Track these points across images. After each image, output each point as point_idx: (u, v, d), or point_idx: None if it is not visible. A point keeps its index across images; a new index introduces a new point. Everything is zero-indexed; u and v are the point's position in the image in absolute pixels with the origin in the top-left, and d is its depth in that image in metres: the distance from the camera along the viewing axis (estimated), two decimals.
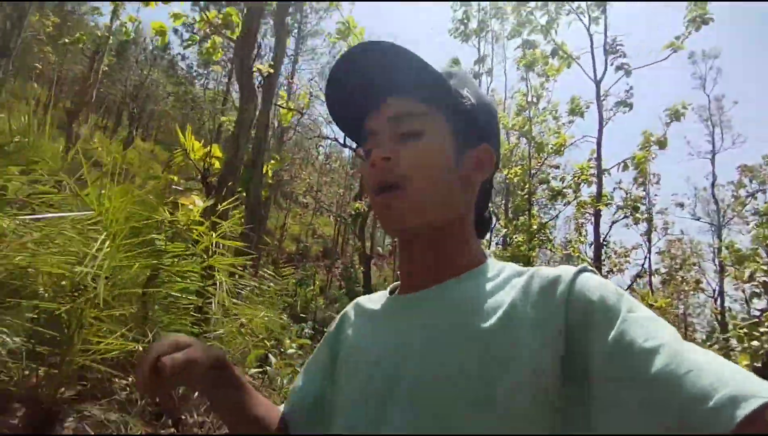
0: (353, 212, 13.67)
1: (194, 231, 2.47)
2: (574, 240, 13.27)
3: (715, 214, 15.38)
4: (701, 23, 7.66)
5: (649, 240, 14.47)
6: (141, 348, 1.91)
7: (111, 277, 1.83)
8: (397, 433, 0.50)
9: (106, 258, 1.72)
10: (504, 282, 0.55)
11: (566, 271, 0.51)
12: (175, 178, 2.87)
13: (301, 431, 0.67)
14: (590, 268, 0.53)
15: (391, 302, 0.64)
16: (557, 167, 12.56)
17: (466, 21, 12.32)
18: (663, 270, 16.34)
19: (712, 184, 15.62)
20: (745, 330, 5.81)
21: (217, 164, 3.29)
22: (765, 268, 7.16)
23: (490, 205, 0.71)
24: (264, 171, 3.99)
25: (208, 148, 3.35)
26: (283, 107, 5.86)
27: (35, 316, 1.74)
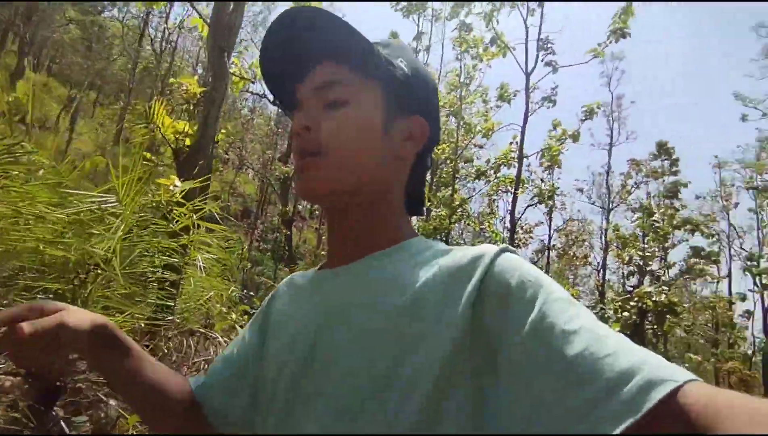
0: (281, 176, 13.49)
1: (175, 211, 2.55)
2: (488, 215, 14.58)
3: (606, 199, 17.69)
4: (620, 36, 8.66)
5: (550, 219, 16.32)
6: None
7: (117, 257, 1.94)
8: (307, 408, 0.50)
9: (118, 240, 1.83)
10: (425, 260, 0.54)
11: (487, 250, 0.51)
12: (149, 156, 2.83)
13: (215, 400, 0.65)
14: (511, 248, 0.52)
15: (316, 276, 0.64)
16: (481, 147, 13.52)
17: None
18: (559, 246, 18.56)
19: (607, 173, 17.88)
20: (619, 303, 7.05)
21: (188, 141, 3.24)
22: (640, 253, 8.58)
23: (426, 181, 0.68)
24: (216, 141, 3.98)
25: (182, 125, 3.29)
26: (237, 76, 5.68)
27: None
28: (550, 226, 16.50)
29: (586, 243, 19.66)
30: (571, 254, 18.45)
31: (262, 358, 0.63)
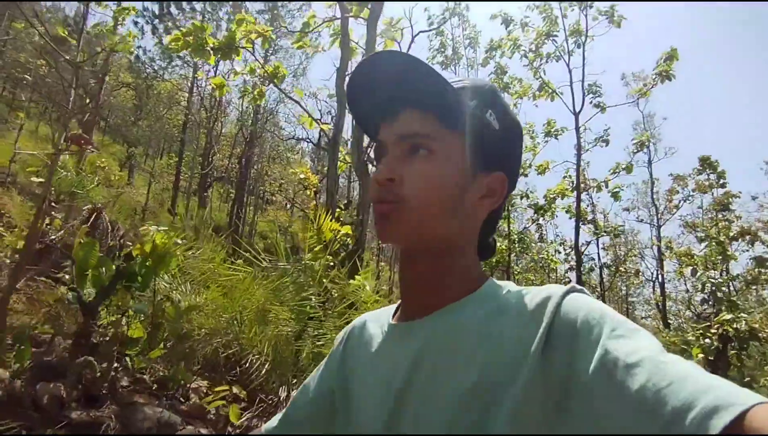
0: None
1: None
2: (548, 247, 15.03)
3: (654, 215, 17.97)
4: (665, 78, 9.21)
5: (598, 241, 16.78)
6: None
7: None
8: None
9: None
10: (500, 308, 0.55)
11: (554, 291, 0.52)
12: (330, 258, 3.62)
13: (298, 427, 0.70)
14: (578, 287, 0.53)
15: (391, 329, 0.64)
16: (526, 175, 14.13)
17: (442, 50, 13.35)
18: (609, 263, 18.88)
19: (651, 190, 18.23)
20: (700, 331, 7.48)
21: (351, 242, 4.09)
22: (713, 280, 8.97)
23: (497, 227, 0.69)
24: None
25: (347, 229, 4.23)
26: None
27: None
28: (598, 244, 16.96)
29: (637, 256, 19.93)
30: (623, 269, 18.70)
31: (346, 398, 0.66)
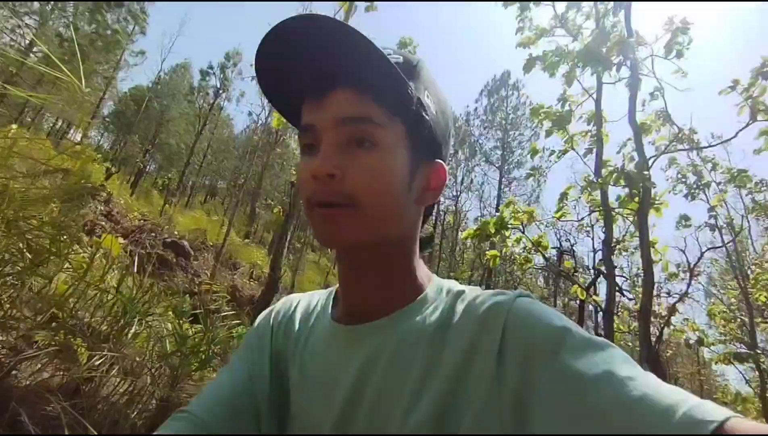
0: None
1: None
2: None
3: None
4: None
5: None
6: None
7: None
8: None
9: None
10: (449, 315, 0.52)
11: (502, 299, 0.50)
12: None
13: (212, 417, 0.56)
14: (526, 293, 0.51)
15: (335, 331, 0.59)
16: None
17: None
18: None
19: None
20: None
21: None
22: None
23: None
24: None
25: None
26: None
27: None
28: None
29: None
30: None
31: (281, 401, 0.60)
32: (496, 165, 26.94)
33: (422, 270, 0.60)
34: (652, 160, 3.81)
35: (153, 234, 10.18)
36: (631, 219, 4.26)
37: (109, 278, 2.88)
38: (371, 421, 0.50)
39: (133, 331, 2.17)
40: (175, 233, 11.34)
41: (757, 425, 0.33)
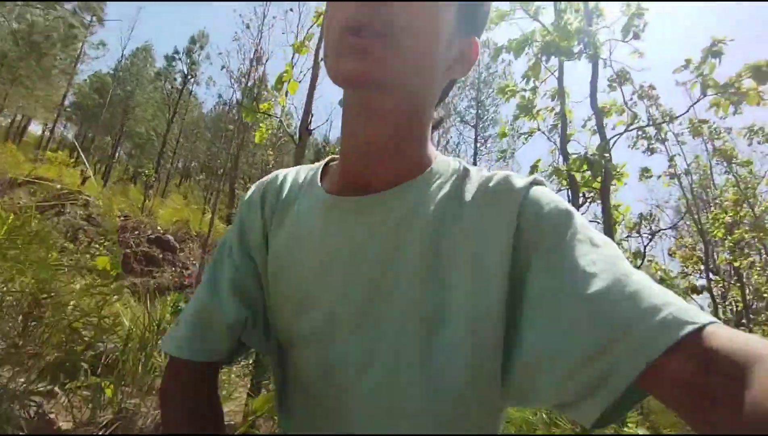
0: None
1: None
2: None
3: None
4: None
5: None
6: None
7: None
8: (343, 350, 0.50)
9: None
10: (460, 190, 0.51)
11: (517, 183, 0.48)
12: None
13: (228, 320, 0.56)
14: (540, 179, 0.50)
15: (337, 202, 0.54)
16: None
17: None
18: None
19: None
20: None
21: None
22: None
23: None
24: None
25: None
26: None
27: None
28: None
29: None
30: None
31: (284, 277, 0.56)
32: (471, 124, 26.97)
33: (431, 145, 0.56)
34: (613, 140, 4.07)
35: (136, 232, 10.17)
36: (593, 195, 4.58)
37: (114, 305, 3.02)
38: (398, 291, 0.48)
39: (151, 363, 2.37)
40: (158, 227, 11.32)
41: (735, 334, 0.33)
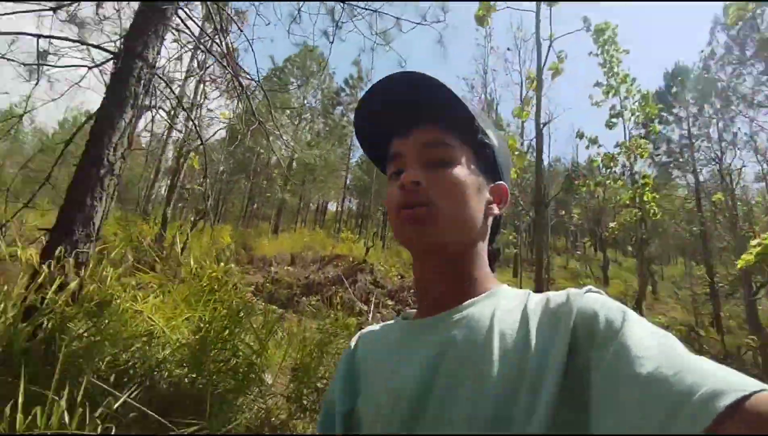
0: None
1: None
2: None
3: None
4: None
5: None
6: None
7: None
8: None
9: None
10: (520, 304, 0.56)
11: (573, 290, 0.54)
12: None
13: None
14: (595, 288, 0.54)
15: (411, 326, 0.63)
16: None
17: None
18: None
19: None
20: None
21: None
22: None
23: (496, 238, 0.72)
24: None
25: None
26: None
27: None
28: None
29: None
30: None
31: (359, 403, 0.62)
32: None
33: (491, 275, 0.66)
34: None
35: (411, 290, 11.37)
36: None
37: None
38: (452, 402, 0.50)
39: None
40: None
41: None
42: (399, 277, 12.38)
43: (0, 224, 3.29)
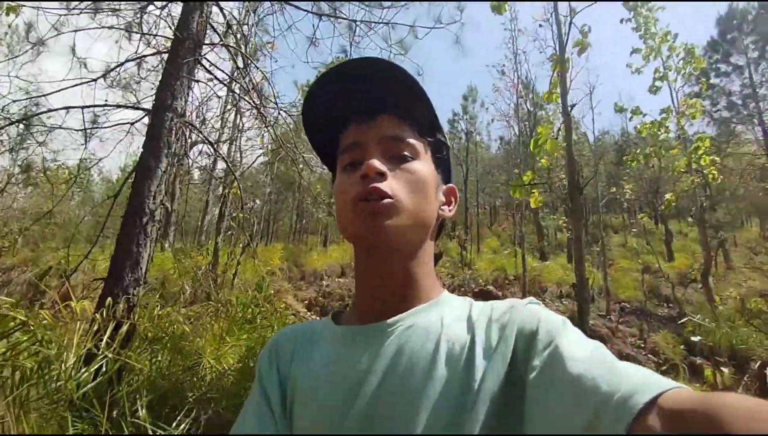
0: None
1: None
2: None
3: None
4: None
5: None
6: None
7: None
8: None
9: None
10: (465, 314, 0.57)
11: (516, 302, 0.56)
12: None
13: None
14: (536, 300, 0.57)
15: (350, 332, 0.60)
16: None
17: None
18: None
19: None
20: None
21: None
22: None
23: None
24: None
25: None
26: None
27: None
28: None
29: None
30: None
31: (296, 414, 0.57)
32: None
33: (437, 281, 0.65)
34: None
35: (462, 288, 11.25)
36: None
37: None
38: (398, 412, 0.49)
39: None
40: (479, 279, 12.17)
41: (699, 393, 0.35)
42: (449, 276, 12.30)
43: (66, 274, 3.69)
